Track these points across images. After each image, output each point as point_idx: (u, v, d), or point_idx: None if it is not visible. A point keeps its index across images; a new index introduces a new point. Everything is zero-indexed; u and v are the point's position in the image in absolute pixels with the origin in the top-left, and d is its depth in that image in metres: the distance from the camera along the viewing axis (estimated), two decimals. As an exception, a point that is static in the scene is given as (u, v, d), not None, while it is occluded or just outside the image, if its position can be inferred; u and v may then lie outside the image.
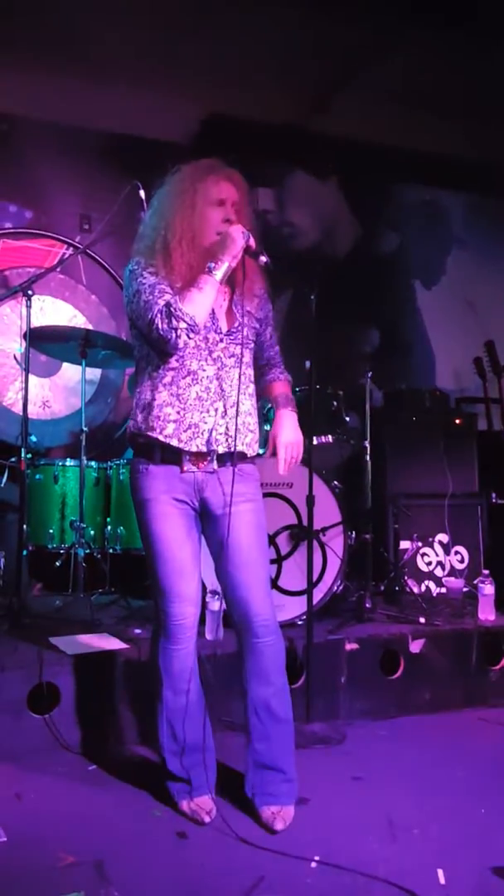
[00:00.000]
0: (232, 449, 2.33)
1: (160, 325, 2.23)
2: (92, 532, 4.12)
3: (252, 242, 2.30)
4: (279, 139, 5.53)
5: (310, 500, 3.08)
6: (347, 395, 4.05)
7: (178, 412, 2.30)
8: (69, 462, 4.18)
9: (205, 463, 2.33)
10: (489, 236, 6.62)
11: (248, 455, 2.40)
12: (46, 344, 4.07)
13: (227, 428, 2.33)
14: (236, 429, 2.33)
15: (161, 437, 2.30)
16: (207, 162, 2.41)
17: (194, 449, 2.31)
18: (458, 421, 4.98)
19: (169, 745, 2.39)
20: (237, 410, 2.33)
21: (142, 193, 3.57)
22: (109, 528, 4.15)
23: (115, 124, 5.21)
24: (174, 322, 2.22)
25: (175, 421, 2.30)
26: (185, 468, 2.32)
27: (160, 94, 5.08)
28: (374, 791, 2.59)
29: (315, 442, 3.58)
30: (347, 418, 3.97)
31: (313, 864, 2.09)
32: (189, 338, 2.26)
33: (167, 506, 2.33)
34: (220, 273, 2.28)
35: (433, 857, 2.14)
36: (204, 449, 2.31)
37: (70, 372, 4.95)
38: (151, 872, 2.06)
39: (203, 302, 2.26)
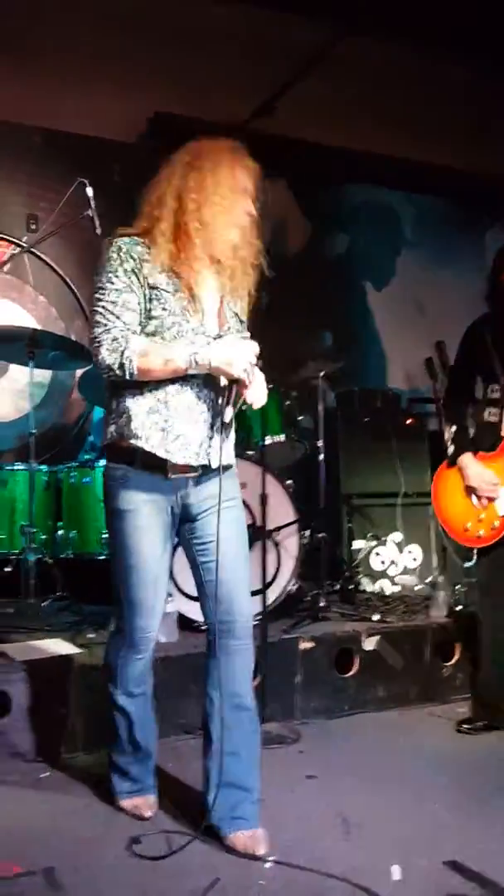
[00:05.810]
0: (217, 460, 2.18)
1: (104, 358, 2.08)
2: (43, 537, 4.04)
3: (246, 385, 2.12)
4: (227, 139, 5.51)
5: (263, 500, 3.07)
6: (300, 396, 4.06)
7: (167, 420, 2.12)
8: (18, 466, 4.10)
9: (189, 470, 2.18)
10: (438, 238, 6.69)
11: (231, 463, 2.29)
12: (-8, 345, 3.98)
13: (214, 439, 2.18)
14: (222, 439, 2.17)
15: (146, 448, 2.12)
16: (231, 144, 2.21)
17: (181, 461, 2.14)
18: (409, 421, 5.03)
19: (119, 746, 2.35)
20: (223, 422, 2.17)
21: (88, 191, 3.54)
22: (61, 532, 4.08)
23: (62, 123, 5.14)
24: (116, 371, 2.07)
25: (163, 430, 2.12)
26: (170, 475, 2.15)
27: (106, 93, 5.04)
28: (328, 789, 2.58)
29: (268, 441, 3.58)
30: (300, 418, 3.97)
31: (268, 865, 2.07)
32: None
33: (147, 518, 2.18)
34: (193, 371, 2.09)
35: (388, 853, 2.13)
36: (193, 462, 2.15)
37: (17, 374, 4.85)
38: (104, 877, 2.03)
39: (155, 376, 2.09)
